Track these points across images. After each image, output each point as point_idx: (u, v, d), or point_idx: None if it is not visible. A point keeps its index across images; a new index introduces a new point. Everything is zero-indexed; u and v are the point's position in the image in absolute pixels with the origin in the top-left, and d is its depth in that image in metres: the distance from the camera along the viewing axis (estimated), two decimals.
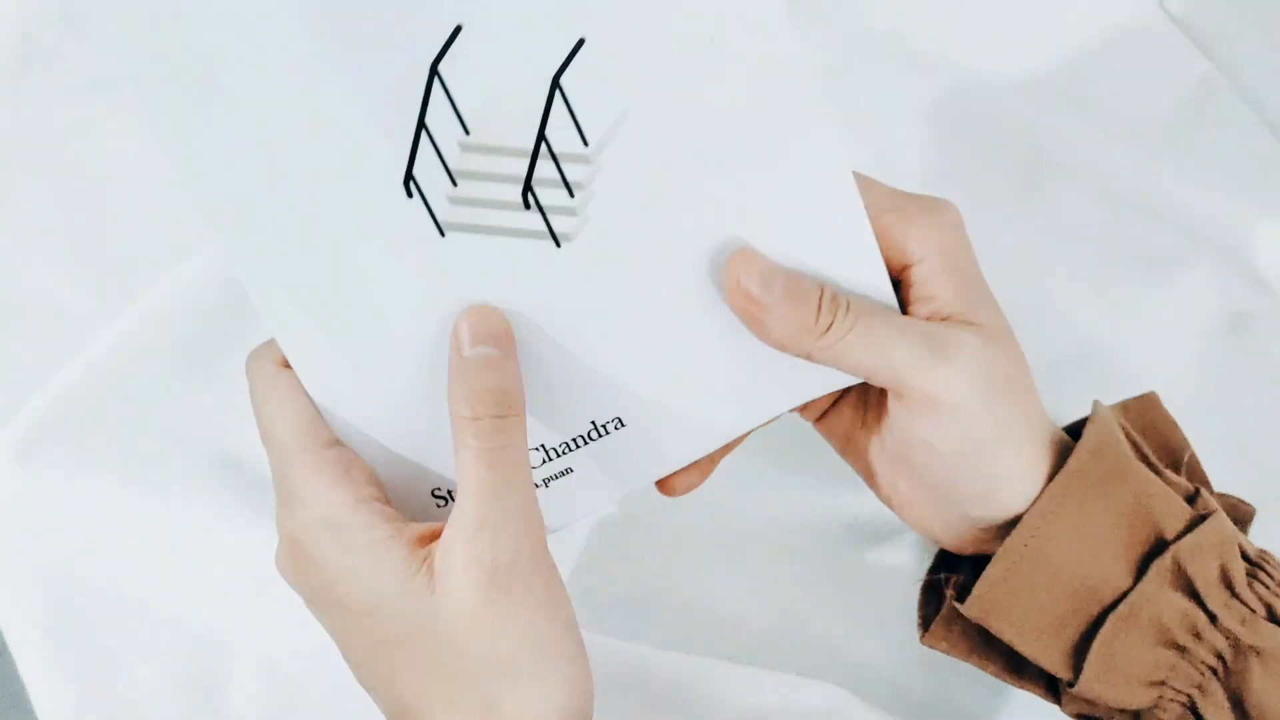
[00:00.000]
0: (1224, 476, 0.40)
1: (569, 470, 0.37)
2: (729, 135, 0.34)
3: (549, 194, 0.34)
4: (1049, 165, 0.51)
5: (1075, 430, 0.38)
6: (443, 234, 0.34)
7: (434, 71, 0.32)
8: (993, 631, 0.37)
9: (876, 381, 0.36)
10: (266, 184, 0.33)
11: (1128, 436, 0.38)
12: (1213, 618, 0.35)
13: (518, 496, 0.33)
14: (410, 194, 0.33)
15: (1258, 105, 0.52)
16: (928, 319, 0.35)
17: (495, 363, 0.33)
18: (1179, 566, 0.35)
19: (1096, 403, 0.38)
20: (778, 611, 0.45)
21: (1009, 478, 0.36)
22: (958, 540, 0.38)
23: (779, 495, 0.47)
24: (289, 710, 0.40)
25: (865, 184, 0.36)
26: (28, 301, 0.51)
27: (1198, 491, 0.38)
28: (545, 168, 0.33)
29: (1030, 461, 0.36)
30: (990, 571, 0.36)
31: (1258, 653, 0.35)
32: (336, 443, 0.35)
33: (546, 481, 0.37)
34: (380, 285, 0.34)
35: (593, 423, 0.37)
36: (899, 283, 0.36)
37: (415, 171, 0.33)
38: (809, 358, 0.35)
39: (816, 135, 0.34)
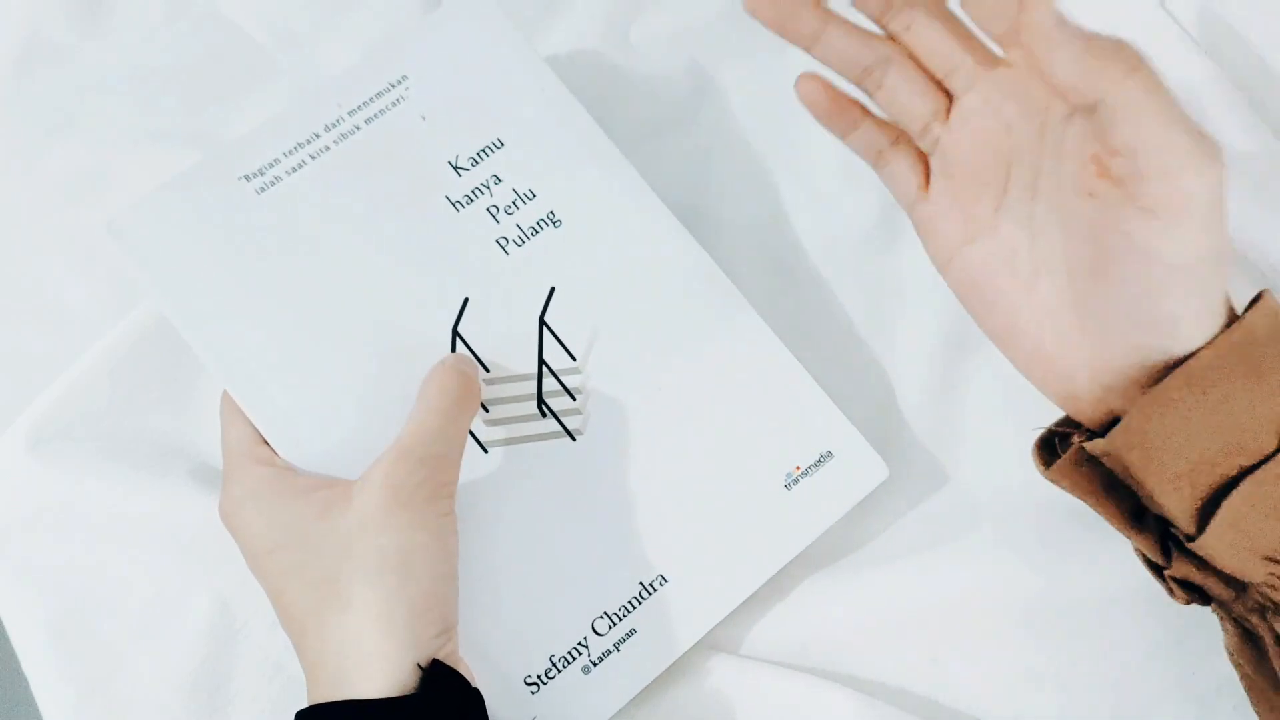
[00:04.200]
0: None
1: (633, 631, 0.43)
2: (673, 328, 0.46)
3: (557, 401, 0.44)
4: None
5: None
6: (485, 451, 0.44)
7: (455, 332, 0.44)
8: (1129, 467, 0.36)
9: (1143, 161, 0.33)
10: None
11: None
12: None
13: (441, 446, 0.39)
14: None
15: (1259, 105, 0.51)
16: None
17: (466, 361, 0.42)
18: None
19: (1268, 290, 0.37)
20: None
21: (1207, 306, 0.35)
22: (1100, 392, 0.37)
23: None
24: (293, 709, 0.36)
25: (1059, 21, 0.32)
26: (36, 299, 0.51)
27: None
28: (549, 383, 0.44)
29: (1222, 293, 0.35)
30: (1144, 403, 0.35)
31: None
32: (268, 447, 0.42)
33: (618, 645, 0.43)
34: None
35: (640, 583, 0.43)
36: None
37: None
38: (1091, 98, 0.32)
39: (738, 313, 0.46)
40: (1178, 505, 0.35)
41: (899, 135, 0.41)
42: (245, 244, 0.44)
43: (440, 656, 0.38)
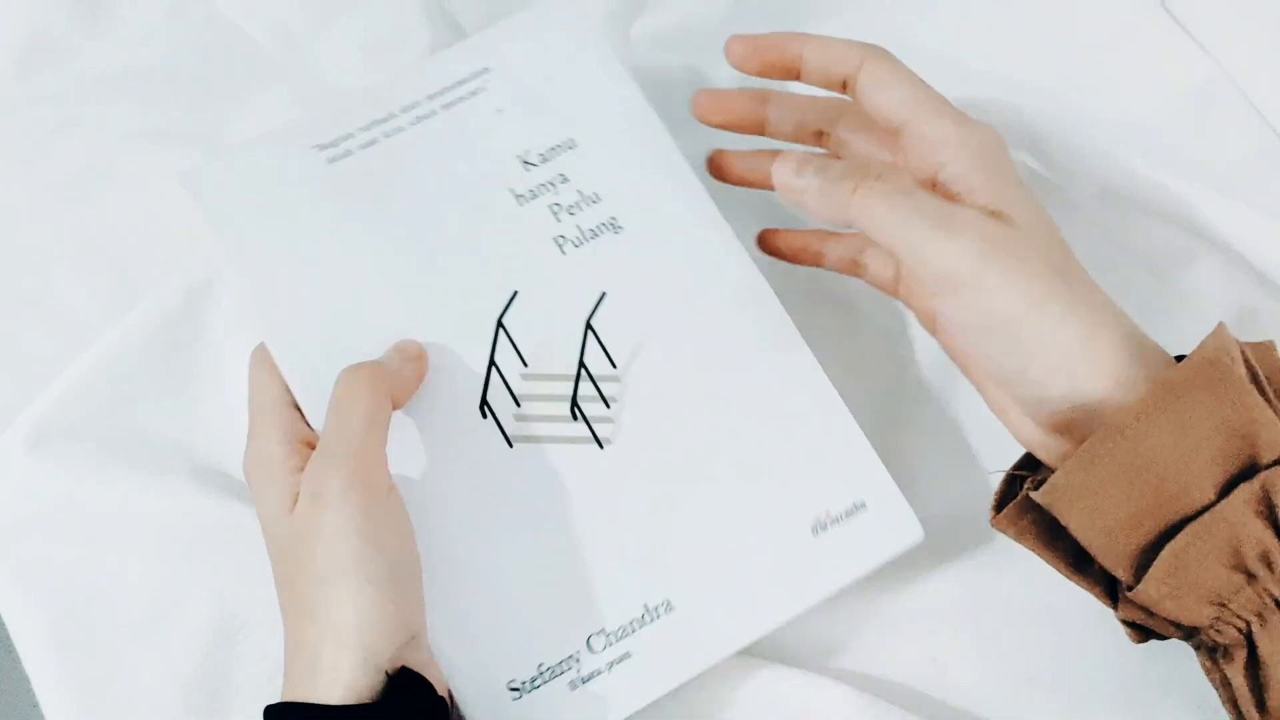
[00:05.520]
0: None
1: (628, 655, 0.41)
2: (720, 351, 0.44)
3: (590, 407, 0.43)
4: (1050, 165, 0.51)
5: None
6: (510, 445, 0.43)
7: (500, 324, 0.44)
8: (1063, 522, 0.36)
9: (900, 256, 0.38)
10: None
11: (1247, 364, 0.36)
12: None
13: (347, 442, 0.38)
14: (485, 415, 0.43)
15: (1260, 104, 0.50)
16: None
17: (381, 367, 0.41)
18: (1266, 494, 0.34)
19: (1223, 324, 0.37)
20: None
21: (1054, 355, 0.37)
22: (1050, 440, 0.39)
23: None
24: None
25: (915, 84, 0.40)
26: (36, 298, 0.51)
27: None
28: (586, 387, 0.44)
29: (1081, 339, 0.37)
30: (1077, 458, 0.35)
31: None
32: (296, 408, 0.42)
33: (610, 665, 0.41)
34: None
35: (644, 605, 0.42)
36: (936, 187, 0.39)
37: (488, 398, 0.43)
38: (848, 224, 0.38)
39: (788, 346, 0.45)
40: (1113, 557, 0.36)
41: (864, 239, 0.44)
42: (309, 210, 0.44)
43: (408, 662, 0.37)
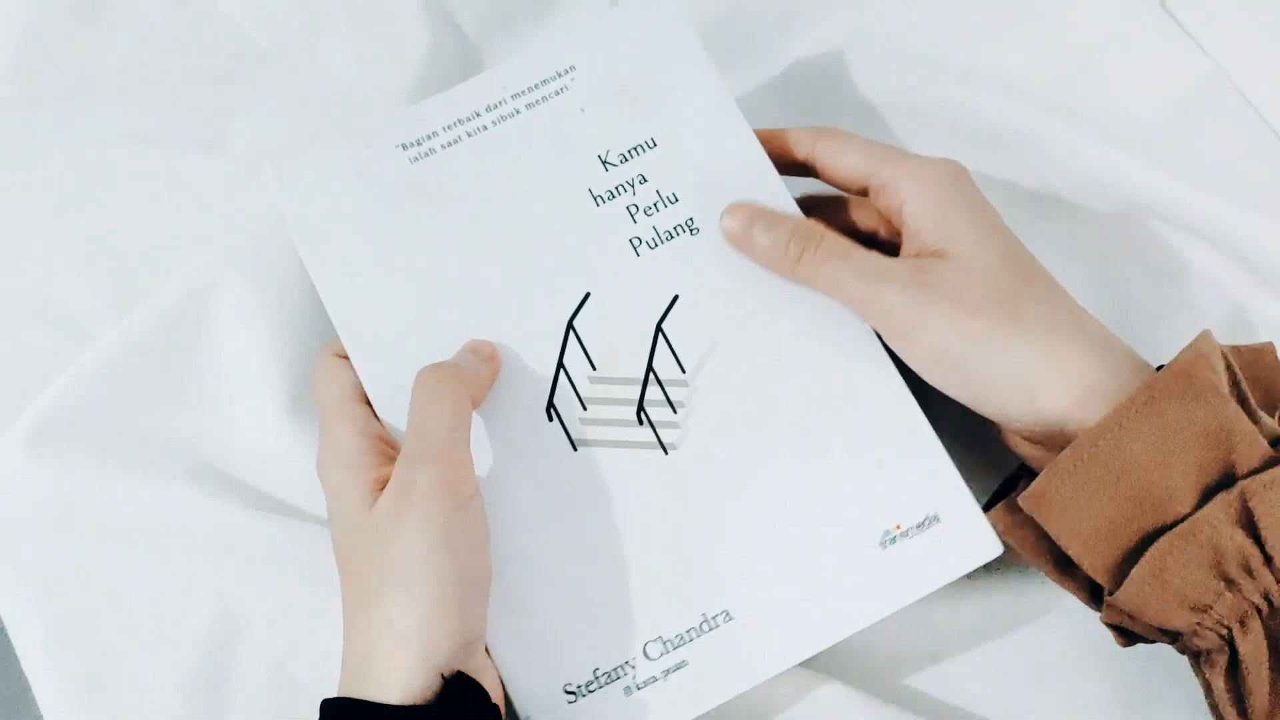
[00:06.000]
0: None
1: (684, 664, 0.41)
2: (794, 357, 0.43)
3: (657, 412, 0.43)
4: (1050, 164, 0.51)
5: None
6: (575, 448, 0.43)
7: (570, 326, 0.44)
8: (1045, 527, 0.37)
9: (859, 314, 0.42)
10: None
11: (1229, 371, 0.38)
12: (1268, 559, 0.35)
13: (433, 443, 0.39)
14: (551, 418, 0.43)
15: (1260, 104, 0.51)
16: (916, 255, 0.41)
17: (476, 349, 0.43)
18: (1244, 502, 0.35)
19: (1206, 330, 0.39)
20: None
21: (1006, 382, 0.39)
22: (1021, 445, 0.41)
23: None
24: (293, 709, 0.37)
25: (866, 143, 0.43)
26: (36, 299, 0.51)
27: None
28: (653, 392, 0.43)
29: (1038, 360, 0.38)
30: (1054, 466, 0.37)
31: None
32: (366, 403, 0.43)
33: (666, 673, 0.41)
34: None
35: (703, 614, 0.41)
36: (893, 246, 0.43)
37: (555, 400, 0.43)
38: (801, 282, 0.42)
39: (866, 352, 0.43)
40: (1094, 563, 0.37)
41: None
42: (390, 207, 0.45)
43: (464, 667, 0.37)
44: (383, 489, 0.39)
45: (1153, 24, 0.53)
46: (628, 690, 0.41)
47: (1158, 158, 0.49)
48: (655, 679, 0.41)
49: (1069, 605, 0.43)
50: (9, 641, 0.45)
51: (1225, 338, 0.46)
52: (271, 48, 0.56)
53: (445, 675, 0.37)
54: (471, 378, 0.41)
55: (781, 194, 0.45)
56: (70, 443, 0.47)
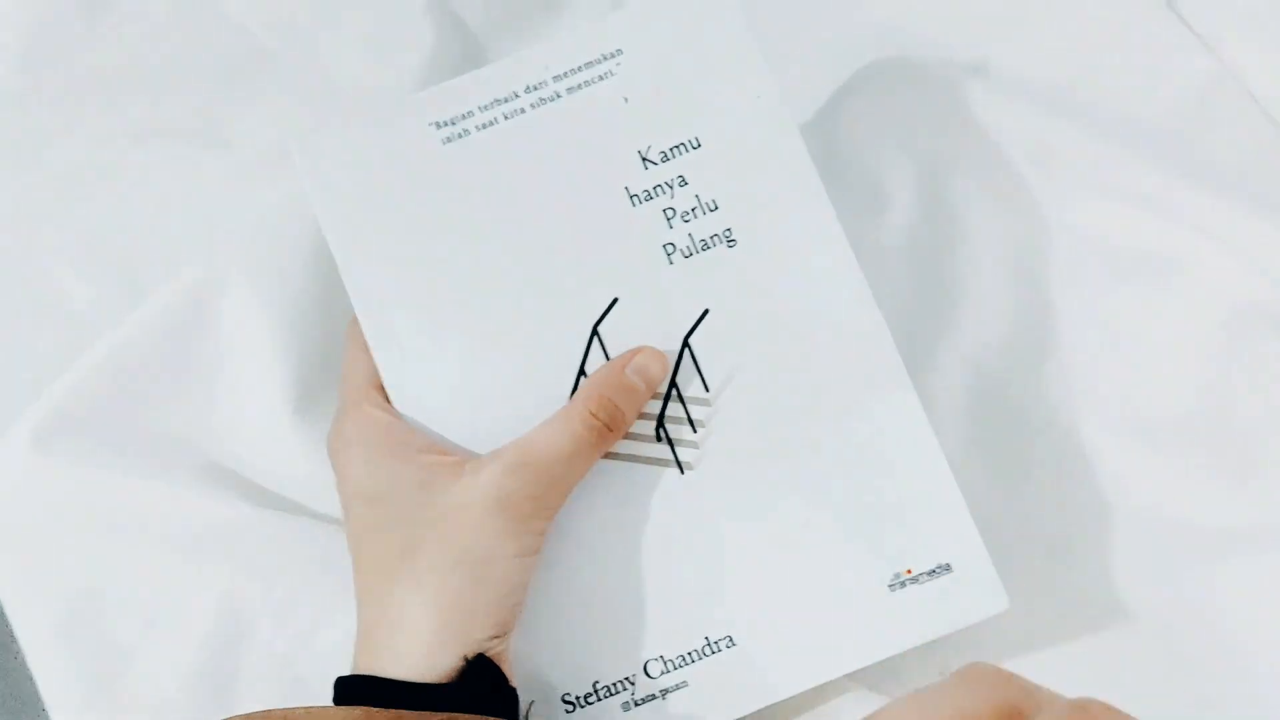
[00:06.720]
0: (1226, 475, 0.41)
1: (684, 684, 0.41)
2: (822, 386, 0.42)
3: (676, 429, 0.42)
4: (1051, 163, 0.51)
5: None
6: None
7: (595, 332, 0.43)
8: None
9: None
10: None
11: None
12: None
13: (562, 469, 0.39)
14: None
15: (1264, 102, 0.51)
16: None
17: (635, 393, 0.41)
18: None
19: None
20: None
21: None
22: None
23: None
24: (299, 705, 0.37)
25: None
26: (40, 296, 0.51)
27: None
28: (674, 408, 0.42)
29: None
30: None
31: None
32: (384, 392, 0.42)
33: (664, 693, 0.41)
34: None
35: (706, 638, 0.42)
36: None
37: None
38: None
39: (896, 389, 0.42)
40: None
41: None
42: (418, 189, 0.43)
43: (489, 653, 0.38)
44: (432, 470, 0.39)
45: (1158, 21, 0.53)
46: (626, 706, 0.41)
47: (1161, 155, 0.49)
48: (654, 697, 0.41)
49: (1076, 617, 0.44)
50: (15, 639, 0.45)
51: (1229, 337, 0.48)
52: (276, 46, 0.56)
53: (467, 657, 0.37)
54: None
55: (826, 213, 0.43)
56: (75, 440, 0.47)
